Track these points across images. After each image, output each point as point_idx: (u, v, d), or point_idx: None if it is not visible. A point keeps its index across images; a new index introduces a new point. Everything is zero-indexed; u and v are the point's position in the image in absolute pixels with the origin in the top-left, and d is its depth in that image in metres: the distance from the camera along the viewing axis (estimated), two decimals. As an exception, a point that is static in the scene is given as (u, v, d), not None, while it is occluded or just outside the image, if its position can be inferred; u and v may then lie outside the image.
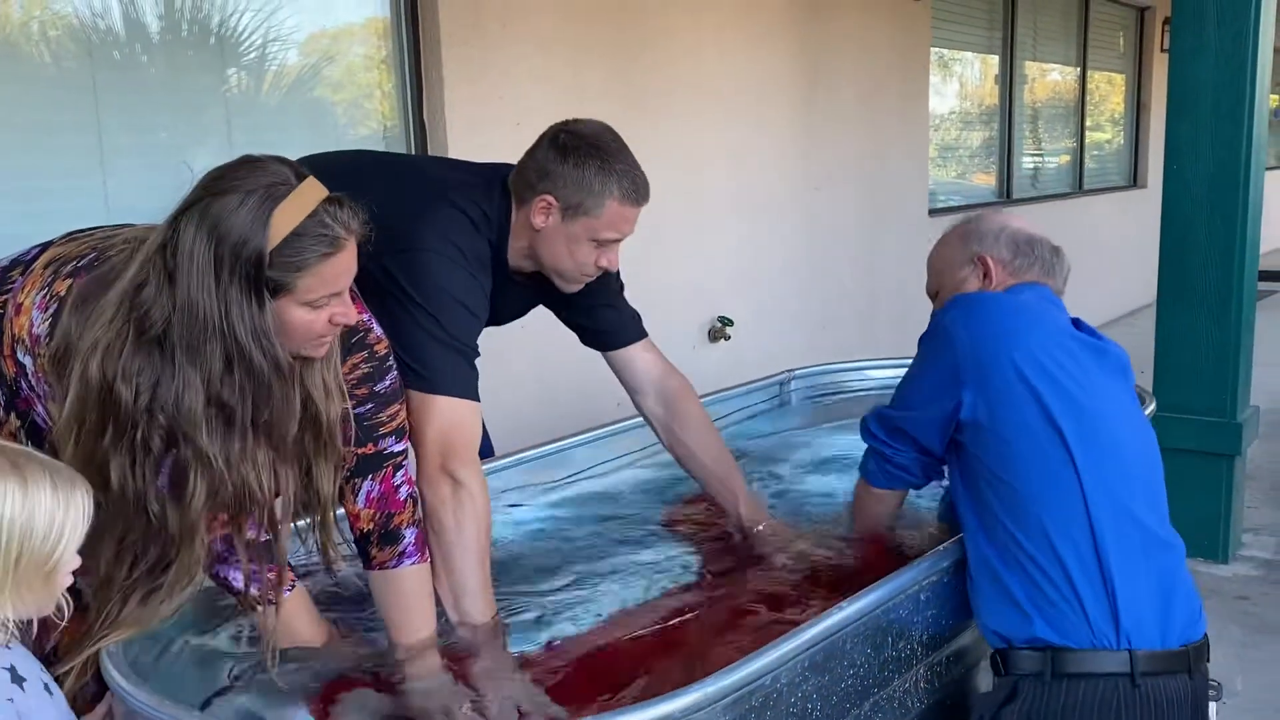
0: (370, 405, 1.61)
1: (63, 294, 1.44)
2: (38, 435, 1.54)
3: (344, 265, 1.42)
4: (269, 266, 1.34)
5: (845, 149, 5.31)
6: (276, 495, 1.43)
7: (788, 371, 2.87)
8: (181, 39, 2.91)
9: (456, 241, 1.81)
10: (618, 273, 2.10)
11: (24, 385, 1.50)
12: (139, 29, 2.81)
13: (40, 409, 1.52)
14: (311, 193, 1.38)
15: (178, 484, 1.38)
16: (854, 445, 2.08)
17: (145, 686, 1.33)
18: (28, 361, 1.47)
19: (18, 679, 1.10)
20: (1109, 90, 8.74)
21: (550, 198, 1.84)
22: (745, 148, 4.67)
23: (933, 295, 1.95)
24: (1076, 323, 1.78)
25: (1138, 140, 8.79)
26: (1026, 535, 1.60)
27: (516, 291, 2.03)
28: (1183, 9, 3.15)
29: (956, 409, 1.67)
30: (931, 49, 6.03)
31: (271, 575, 1.53)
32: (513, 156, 1.95)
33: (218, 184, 1.35)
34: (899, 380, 1.85)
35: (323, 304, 1.41)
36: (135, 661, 1.43)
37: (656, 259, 4.27)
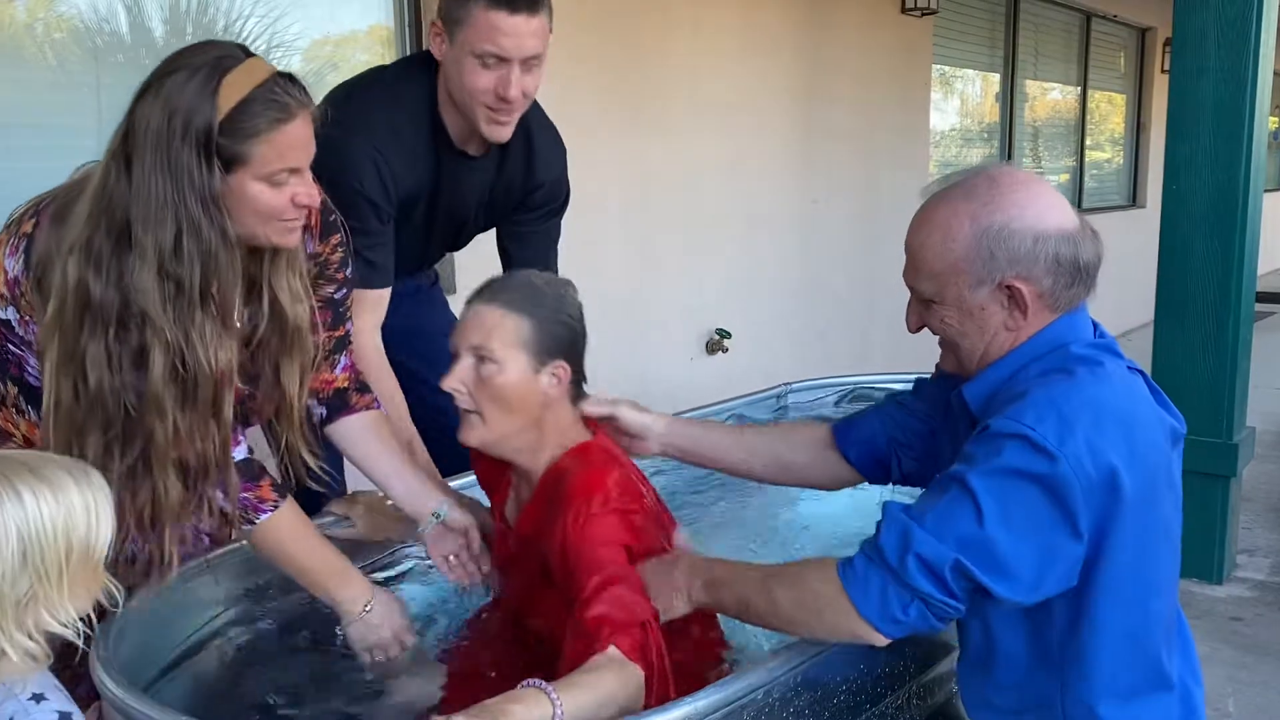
0: (345, 290, 1.70)
1: (30, 231, 1.47)
2: (33, 396, 1.55)
3: (297, 136, 1.42)
4: (221, 135, 1.37)
5: (844, 163, 5.33)
6: (224, 372, 1.44)
7: (784, 385, 2.86)
8: (186, 43, 2.91)
9: (366, 119, 1.86)
10: (558, 229, 2.19)
11: (11, 348, 1.52)
12: (143, 32, 2.82)
13: (31, 365, 1.53)
14: (260, 67, 1.42)
15: (140, 363, 1.40)
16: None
17: (135, 692, 1.33)
18: (10, 314, 1.49)
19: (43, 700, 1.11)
20: (1109, 110, 8.77)
21: (438, 22, 1.87)
22: (743, 162, 4.68)
23: (922, 298, 1.44)
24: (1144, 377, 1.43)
25: (1137, 160, 8.82)
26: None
27: (471, 179, 2.04)
28: (1184, 30, 3.16)
29: (1068, 568, 1.30)
30: (933, 66, 6.05)
31: (250, 495, 1.55)
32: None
33: (168, 65, 1.40)
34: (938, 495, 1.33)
35: (282, 180, 1.43)
36: (126, 669, 1.42)
37: (655, 272, 4.28)
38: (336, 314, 1.70)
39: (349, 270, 1.71)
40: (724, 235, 4.61)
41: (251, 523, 1.56)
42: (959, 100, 6.91)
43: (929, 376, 1.69)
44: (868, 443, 1.68)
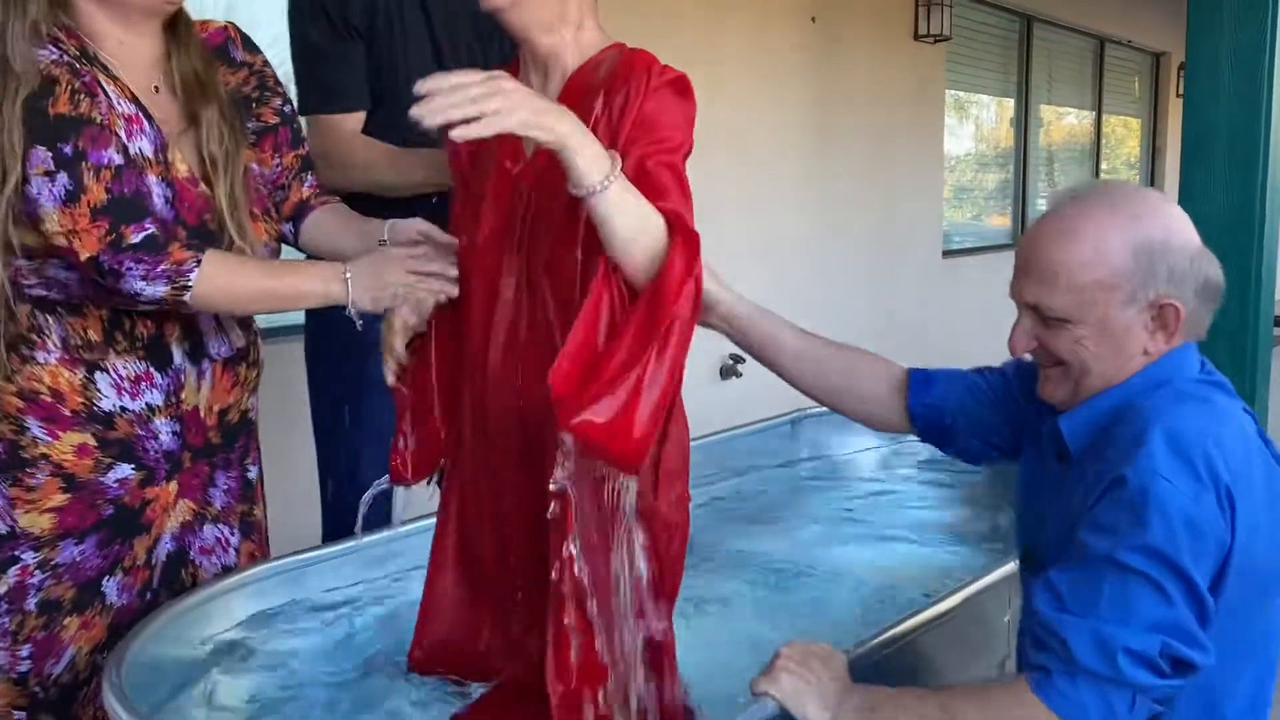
0: (290, 106, 1.77)
1: None
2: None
3: None
4: None
5: (859, 190, 5.33)
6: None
7: (798, 411, 2.85)
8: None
9: None
10: None
11: None
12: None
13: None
14: None
15: None
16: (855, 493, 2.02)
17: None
18: None
19: None
20: (1124, 134, 8.76)
21: None
22: (757, 187, 4.69)
23: (1051, 317, 1.33)
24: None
25: (1152, 184, 8.80)
26: None
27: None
28: (1197, 54, 3.16)
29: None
30: (946, 91, 6.06)
31: (165, 266, 1.49)
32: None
33: None
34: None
35: None
36: (136, 693, 1.42)
37: (669, 296, 4.28)
38: (293, 131, 1.76)
39: (280, 85, 1.75)
40: (738, 262, 4.60)
41: (188, 287, 1.49)
42: (973, 125, 6.92)
43: (1015, 363, 1.59)
44: (939, 409, 1.60)
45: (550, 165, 1.35)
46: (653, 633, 1.41)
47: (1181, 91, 4.58)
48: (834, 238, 5.20)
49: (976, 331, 5.84)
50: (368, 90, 1.94)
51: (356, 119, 1.93)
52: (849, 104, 5.19)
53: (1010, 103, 7.01)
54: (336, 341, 1.97)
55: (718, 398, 4.43)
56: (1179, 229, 1.30)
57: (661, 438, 1.37)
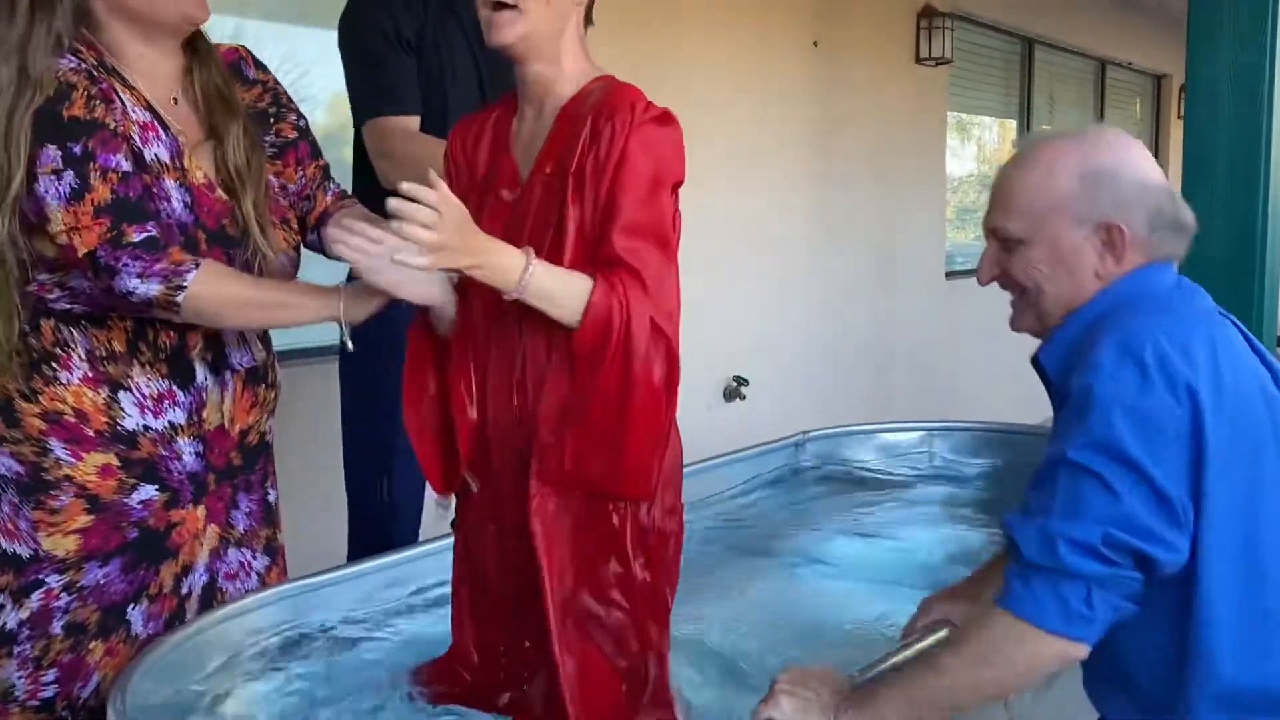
0: (305, 120, 1.83)
1: None
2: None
3: None
4: None
5: (861, 211, 5.35)
6: None
7: (803, 433, 2.86)
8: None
9: None
10: None
11: None
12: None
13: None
14: None
15: None
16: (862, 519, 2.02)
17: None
18: None
19: None
20: (1126, 155, 8.78)
21: None
22: (761, 210, 4.71)
23: (1008, 239, 1.40)
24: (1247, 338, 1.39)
25: (1155, 205, 8.81)
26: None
27: (461, 40, 2.10)
28: (1197, 76, 3.18)
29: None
30: (948, 113, 6.09)
31: (163, 265, 1.48)
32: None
33: None
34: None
35: None
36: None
37: (673, 318, 4.30)
38: (311, 144, 1.82)
39: (293, 102, 1.83)
40: (742, 283, 4.63)
41: (183, 288, 1.48)
42: (975, 146, 6.95)
43: None
44: None
45: (545, 193, 1.45)
46: (651, 639, 1.46)
47: (1182, 113, 4.62)
48: (837, 259, 5.21)
49: (979, 352, 5.84)
50: (420, 98, 2.07)
51: (414, 122, 2.06)
52: (851, 127, 5.22)
53: (1012, 124, 7.05)
54: (373, 357, 1.99)
55: (722, 419, 4.44)
56: (1134, 162, 1.38)
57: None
